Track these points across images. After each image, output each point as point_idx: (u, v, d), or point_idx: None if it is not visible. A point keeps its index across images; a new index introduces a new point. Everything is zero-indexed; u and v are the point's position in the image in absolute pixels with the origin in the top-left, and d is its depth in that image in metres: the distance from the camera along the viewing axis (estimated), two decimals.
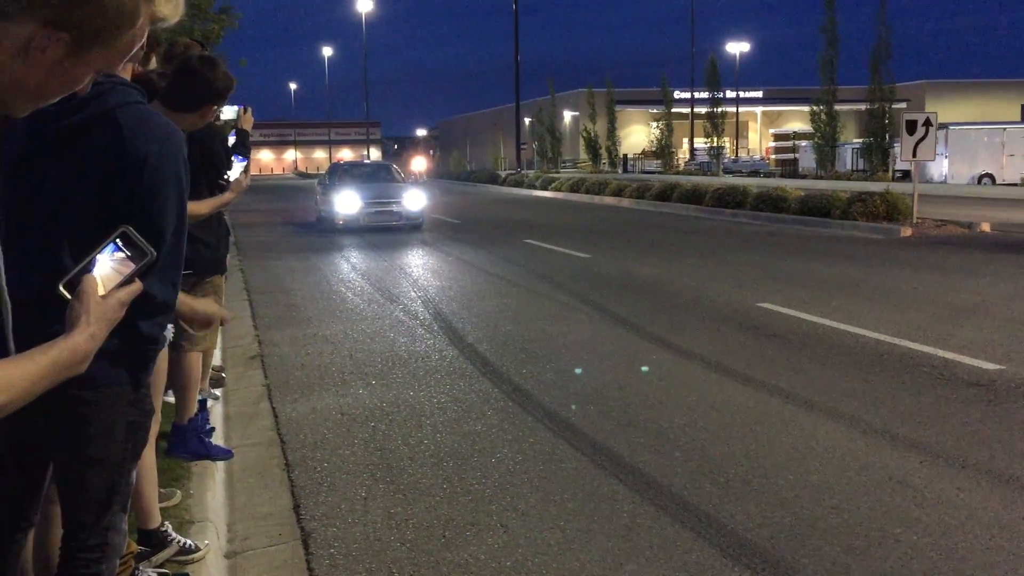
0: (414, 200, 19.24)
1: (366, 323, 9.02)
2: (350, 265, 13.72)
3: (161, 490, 3.81)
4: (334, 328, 8.76)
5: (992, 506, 4.15)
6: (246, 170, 4.60)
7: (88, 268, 1.43)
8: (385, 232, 18.29)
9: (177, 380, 4.65)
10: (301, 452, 5.14)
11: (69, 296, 1.40)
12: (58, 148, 2.08)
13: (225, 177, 4.51)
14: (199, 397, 4.87)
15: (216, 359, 6.93)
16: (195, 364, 4.71)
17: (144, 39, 1.33)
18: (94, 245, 1.45)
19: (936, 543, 3.79)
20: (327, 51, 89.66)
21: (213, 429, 5.11)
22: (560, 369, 6.91)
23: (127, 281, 1.43)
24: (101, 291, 1.40)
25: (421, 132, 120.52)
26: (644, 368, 6.85)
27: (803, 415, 5.64)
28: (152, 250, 1.45)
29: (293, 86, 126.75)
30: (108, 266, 1.44)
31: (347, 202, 18.99)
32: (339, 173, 21.74)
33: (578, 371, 6.82)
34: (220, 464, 4.73)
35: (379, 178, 21.34)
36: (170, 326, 3.30)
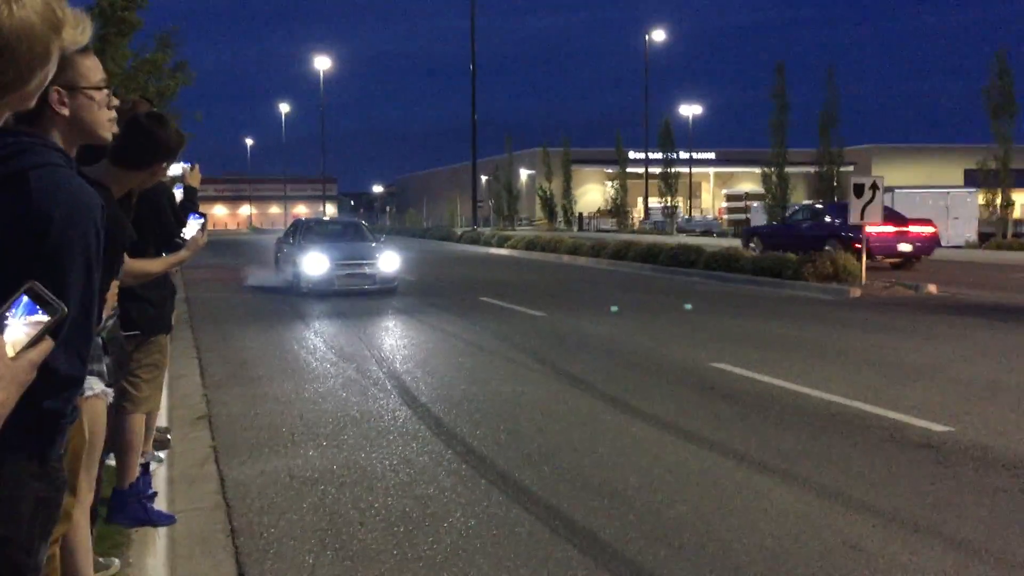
0: (388, 262, 17.67)
1: (318, 382, 8.88)
2: (303, 323, 13.57)
3: (98, 559, 3.67)
4: (285, 387, 8.62)
5: (945, 570, 4.15)
6: (203, 228, 4.53)
7: None
8: (354, 297, 16.61)
9: (118, 443, 4.51)
10: (247, 517, 4.99)
11: None
12: None
13: (180, 235, 4.44)
14: (142, 460, 4.72)
15: (161, 419, 6.76)
16: (138, 426, 4.58)
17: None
18: None
19: None
20: (284, 107, 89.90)
21: (155, 494, 4.96)
22: (513, 430, 6.84)
23: (37, 340, 1.36)
24: (10, 352, 1.33)
25: (378, 188, 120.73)
26: (614, 308, 6.81)
27: (757, 477, 5.63)
28: (63, 305, 1.37)
29: (249, 141, 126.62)
30: (15, 326, 1.36)
31: (315, 264, 17.16)
32: (303, 231, 19.63)
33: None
34: (162, 530, 4.57)
35: (349, 237, 19.59)
36: (110, 389, 3.20)
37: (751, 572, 4.15)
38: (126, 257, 3.92)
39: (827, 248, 20.60)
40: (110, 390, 3.17)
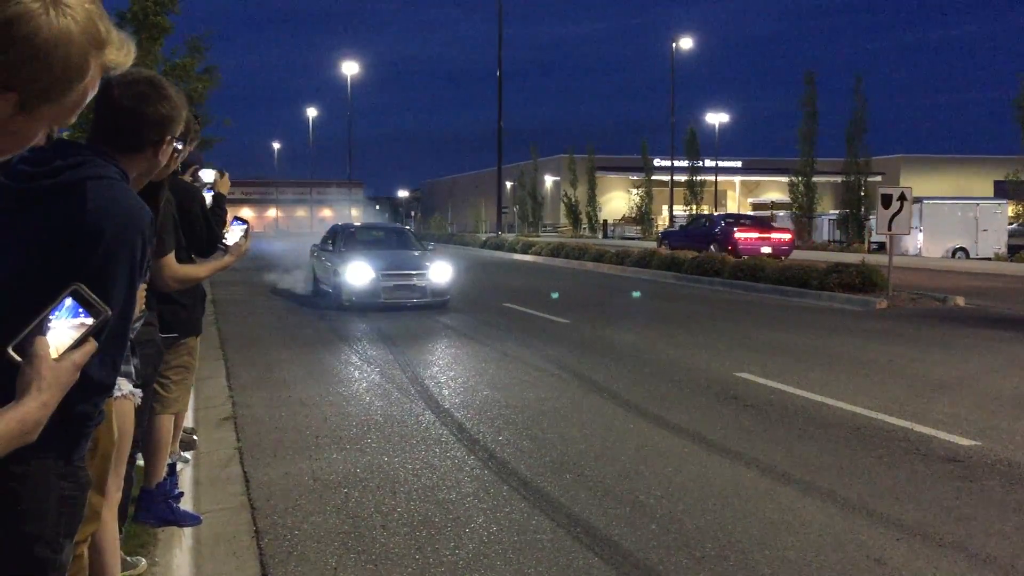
0: (440, 273, 15.81)
1: (342, 386, 8.94)
2: (326, 324, 13.65)
3: (125, 558, 3.72)
4: (309, 390, 8.67)
5: None
6: (246, 233, 4.59)
7: (40, 330, 1.36)
8: (401, 314, 14.81)
9: (147, 444, 4.57)
10: (271, 518, 5.04)
11: (19, 359, 1.34)
12: (20, 209, 2.05)
13: (223, 241, 4.50)
14: (169, 461, 4.78)
15: (188, 420, 6.83)
16: (166, 427, 4.64)
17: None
18: (44, 307, 1.39)
19: None
20: (311, 111, 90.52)
21: (182, 494, 5.02)
22: (536, 437, 6.86)
23: (80, 342, 1.38)
24: (54, 354, 1.35)
25: (403, 193, 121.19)
26: (635, 293, 6.79)
27: (780, 488, 5.61)
28: (106, 308, 1.39)
29: (277, 145, 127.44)
30: (60, 328, 1.37)
31: (359, 274, 15.34)
32: (344, 237, 17.60)
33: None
34: (188, 530, 4.63)
35: (393, 245, 17.79)
36: (139, 391, 3.25)
37: None
38: (173, 261, 3.98)
39: (711, 247, 28.75)
40: (138, 391, 3.22)
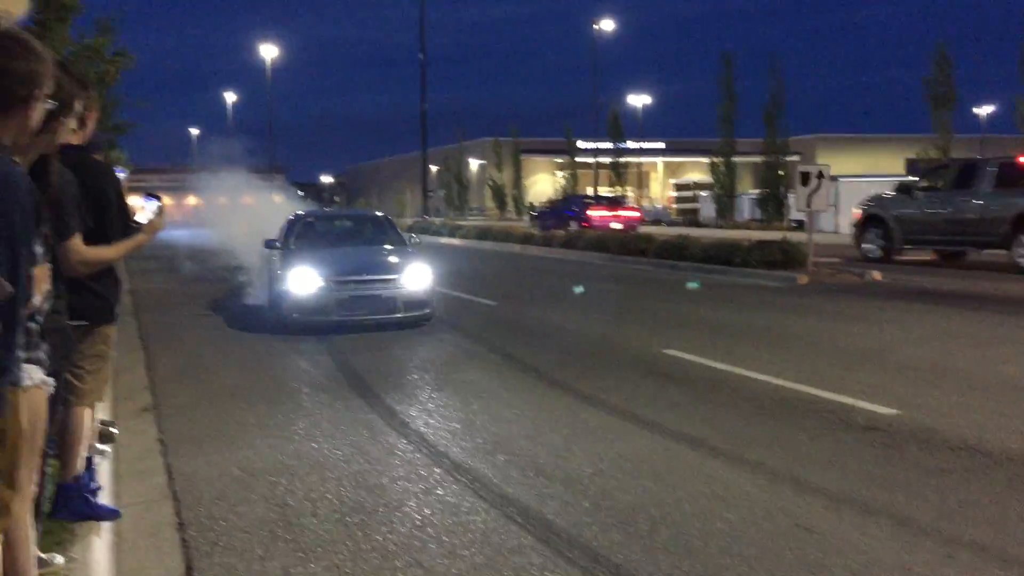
0: (417, 277, 11.51)
1: (268, 374, 8.75)
2: (253, 315, 13.36)
3: (41, 555, 3.55)
4: (234, 379, 8.47)
5: (895, 550, 4.21)
6: (159, 211, 4.41)
7: None
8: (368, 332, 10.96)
9: (62, 437, 4.38)
10: (195, 510, 4.89)
11: None
12: None
13: (134, 220, 4.33)
14: (86, 454, 4.60)
15: (106, 412, 6.61)
16: (82, 419, 4.46)
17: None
18: None
19: None
20: (231, 96, 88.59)
21: (100, 488, 4.83)
22: (467, 419, 6.81)
23: None
24: None
25: (327, 178, 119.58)
26: (578, 288, 6.82)
27: (709, 461, 5.67)
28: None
29: (195, 131, 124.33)
30: None
31: (301, 281, 11.19)
32: (297, 231, 13.09)
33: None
34: (107, 525, 4.46)
35: (364, 240, 13.41)
36: (51, 379, 3.09)
37: (705, 555, 4.17)
38: (79, 244, 3.80)
39: (571, 225, 34.94)
40: (51, 380, 3.06)
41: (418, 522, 4.65)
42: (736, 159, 48.94)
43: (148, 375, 8.66)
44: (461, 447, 6.04)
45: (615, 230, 31.22)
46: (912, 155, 46.02)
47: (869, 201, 22.28)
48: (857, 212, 18.85)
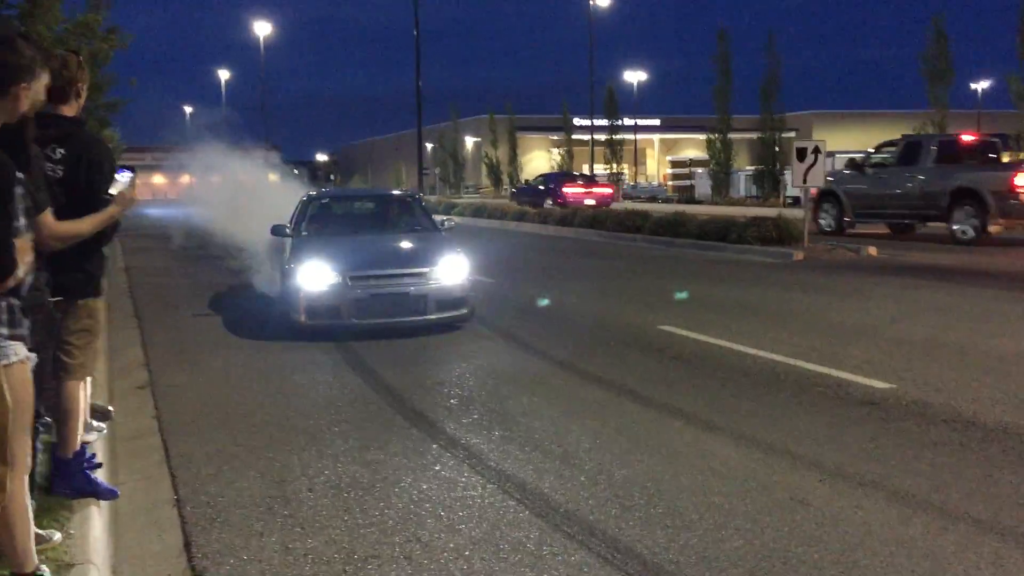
0: (454, 269, 9.63)
1: (263, 351, 8.74)
2: (246, 289, 13.34)
3: (38, 531, 3.56)
4: (229, 357, 8.47)
5: (890, 523, 4.23)
6: (132, 183, 4.37)
7: None
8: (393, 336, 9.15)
9: (57, 413, 4.38)
10: (193, 486, 4.90)
11: None
12: None
13: (107, 192, 4.29)
14: (82, 430, 4.60)
15: (103, 390, 6.62)
16: (74, 394, 4.44)
17: None
18: None
19: (837, 561, 3.83)
20: (223, 74, 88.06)
21: (100, 464, 4.84)
22: (463, 396, 6.82)
23: None
24: None
25: (322, 157, 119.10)
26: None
27: (705, 436, 5.68)
28: None
29: (188, 109, 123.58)
30: None
31: (312, 276, 9.30)
32: (309, 214, 11.22)
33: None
34: (104, 503, 4.47)
35: (388, 225, 11.49)
36: (33, 355, 3.09)
37: (700, 528, 4.19)
38: (50, 218, 3.77)
39: (547, 202, 36.20)
40: (33, 355, 3.06)
41: (416, 497, 4.67)
42: (732, 136, 48.83)
43: (144, 353, 8.65)
44: (457, 422, 6.05)
45: (589, 206, 32.13)
46: (909, 131, 45.94)
47: (827, 177, 22.84)
48: (814, 189, 19.62)
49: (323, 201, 12.12)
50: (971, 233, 18.67)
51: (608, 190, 41.15)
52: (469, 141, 77.93)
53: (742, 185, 49.62)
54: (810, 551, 3.93)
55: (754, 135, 48.08)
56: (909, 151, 20.85)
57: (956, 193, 19.02)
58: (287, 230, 10.65)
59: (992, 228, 18.44)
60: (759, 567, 3.78)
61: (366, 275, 9.39)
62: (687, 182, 58.15)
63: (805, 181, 18.08)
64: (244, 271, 14.00)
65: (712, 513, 4.38)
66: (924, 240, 19.82)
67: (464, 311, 9.59)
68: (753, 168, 48.56)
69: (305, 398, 6.81)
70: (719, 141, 48.37)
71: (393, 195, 13.74)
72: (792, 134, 47.93)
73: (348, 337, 9.01)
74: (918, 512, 4.36)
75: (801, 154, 18.07)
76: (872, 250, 17.30)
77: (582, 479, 4.91)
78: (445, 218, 11.92)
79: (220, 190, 21.21)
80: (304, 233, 10.66)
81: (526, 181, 51.82)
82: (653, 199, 53.50)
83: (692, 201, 48.95)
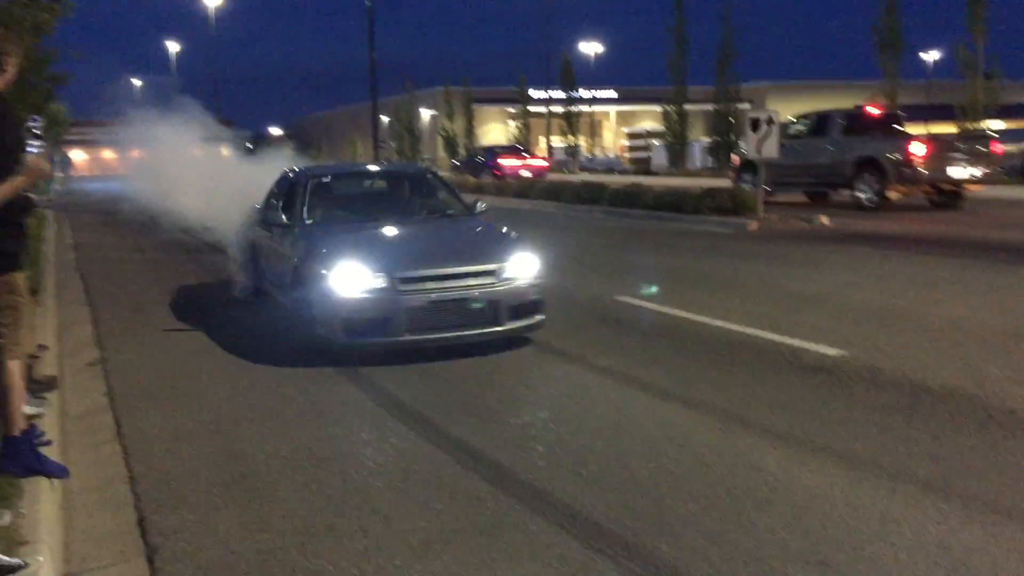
0: (525, 265, 7.77)
1: (218, 325, 8.64)
2: (199, 267, 13.16)
3: None
4: (184, 332, 8.36)
5: (840, 485, 4.31)
6: (43, 154, 4.27)
7: None
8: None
9: None
10: (147, 463, 4.85)
11: None
12: None
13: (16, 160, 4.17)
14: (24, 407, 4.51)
15: (54, 368, 6.51)
16: (11, 372, 4.33)
17: None
18: None
19: (789, 524, 3.90)
20: (173, 46, 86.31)
21: (49, 442, 4.76)
22: (421, 370, 6.80)
23: None
24: None
25: (276, 131, 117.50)
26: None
27: (661, 404, 5.74)
28: None
29: (137, 82, 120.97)
30: None
31: (347, 280, 7.07)
32: (310, 198, 8.75)
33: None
34: (56, 481, 4.40)
35: (410, 208, 9.21)
36: None
37: (655, 494, 4.24)
38: None
39: (483, 175, 37.29)
40: None
41: (372, 469, 4.67)
42: (688, 107, 48.89)
43: (95, 329, 8.52)
44: (413, 395, 6.05)
45: (525, 177, 34.68)
46: (861, 101, 46.41)
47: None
48: (736, 158, 20.26)
49: (321, 180, 9.37)
50: (875, 199, 19.78)
51: (544, 162, 43.88)
52: (425, 114, 77.35)
53: (698, 156, 49.88)
54: (762, 515, 3.99)
55: (710, 106, 48.25)
56: (820, 123, 21.97)
57: (859, 162, 20.17)
58: (283, 218, 8.52)
59: (891, 194, 19.57)
60: (713, 530, 3.84)
61: (421, 275, 7.15)
62: (644, 154, 58.29)
63: (760, 152, 18.21)
64: (198, 251, 13.82)
65: (668, 480, 4.43)
66: (835, 207, 20.51)
67: (540, 318, 7.61)
68: (709, 139, 48.76)
69: (262, 371, 6.74)
70: (675, 113, 48.47)
71: (407, 171, 11.84)
72: (747, 105, 48.19)
73: (399, 356, 7.04)
74: (867, 474, 4.45)
75: (755, 124, 18.18)
76: (824, 219, 17.51)
77: (538, 448, 4.93)
78: (475, 198, 9.79)
79: (170, 166, 20.73)
80: (309, 221, 8.41)
81: (467, 154, 54.01)
82: (610, 171, 53.56)
83: (648, 172, 49.10)
